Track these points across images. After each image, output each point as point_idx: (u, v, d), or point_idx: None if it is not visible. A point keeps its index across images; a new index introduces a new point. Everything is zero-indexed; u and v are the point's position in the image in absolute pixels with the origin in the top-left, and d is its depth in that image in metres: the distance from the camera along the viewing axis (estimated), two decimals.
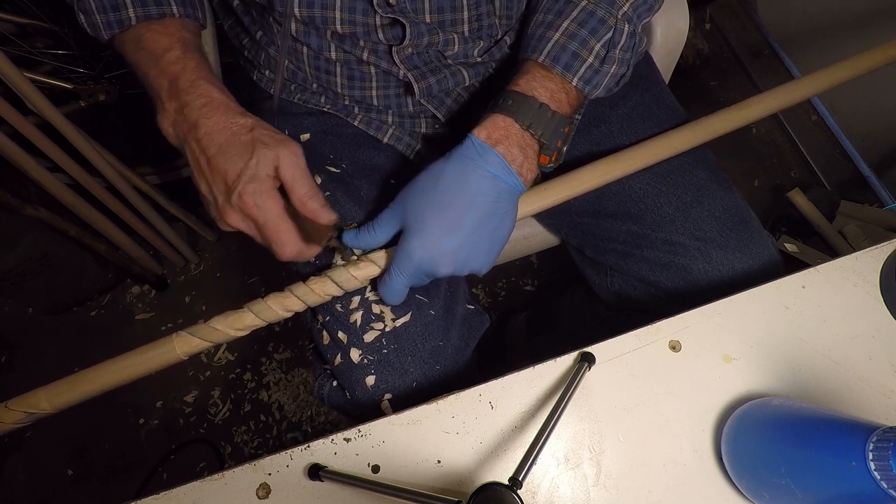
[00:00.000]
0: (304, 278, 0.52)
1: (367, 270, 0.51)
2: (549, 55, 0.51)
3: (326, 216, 0.48)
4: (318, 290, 0.50)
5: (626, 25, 0.52)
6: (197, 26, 0.55)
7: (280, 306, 0.50)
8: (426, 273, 0.48)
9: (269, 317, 0.50)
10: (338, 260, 0.54)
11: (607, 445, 0.43)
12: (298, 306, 0.50)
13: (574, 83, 0.52)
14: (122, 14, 0.50)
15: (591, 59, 0.52)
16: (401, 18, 0.53)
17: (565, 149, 0.65)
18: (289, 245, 0.47)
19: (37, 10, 0.96)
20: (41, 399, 0.47)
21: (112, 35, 0.52)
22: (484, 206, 0.47)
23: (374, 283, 0.52)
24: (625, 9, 0.52)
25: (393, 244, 0.51)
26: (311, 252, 0.50)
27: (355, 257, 0.52)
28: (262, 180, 0.46)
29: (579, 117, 0.65)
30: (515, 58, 0.57)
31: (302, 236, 0.48)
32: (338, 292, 0.51)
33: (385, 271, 0.50)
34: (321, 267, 0.57)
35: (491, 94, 0.60)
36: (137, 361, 0.48)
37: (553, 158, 0.52)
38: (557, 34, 0.51)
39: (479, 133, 0.49)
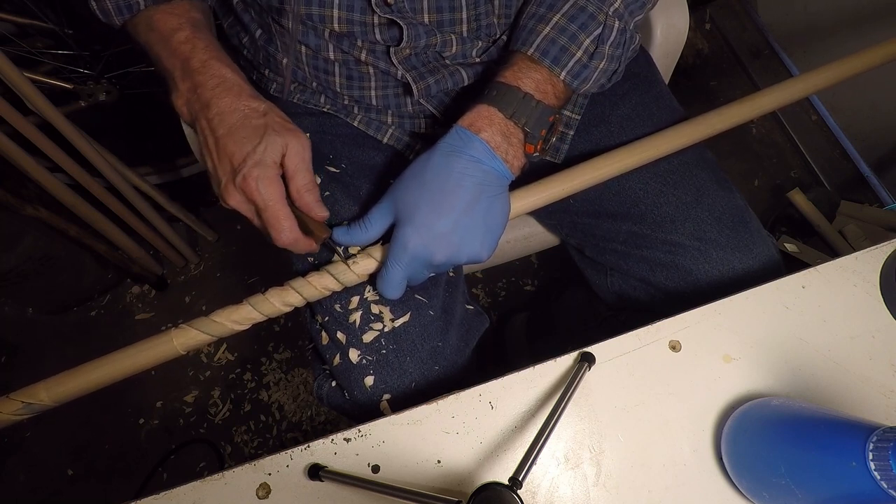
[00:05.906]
0: (304, 276, 0.52)
1: (364, 263, 0.51)
2: (539, 48, 0.52)
3: (319, 211, 0.50)
4: (316, 284, 0.50)
5: (617, 22, 0.53)
6: (206, 7, 0.56)
7: (279, 300, 0.50)
8: (422, 262, 0.48)
9: (267, 310, 0.50)
10: (336, 257, 0.55)
11: (607, 445, 0.43)
12: (297, 300, 0.51)
13: (562, 77, 0.52)
14: None
15: (579, 54, 0.52)
16: (398, 20, 0.53)
17: (561, 144, 0.65)
18: (286, 231, 0.48)
19: (37, 10, 0.96)
20: (40, 390, 0.47)
21: (124, 20, 0.52)
22: (472, 188, 0.48)
23: (374, 282, 0.52)
24: (616, 5, 0.52)
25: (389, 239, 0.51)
26: (307, 245, 0.51)
27: (354, 253, 0.52)
28: (267, 166, 0.47)
29: (578, 117, 0.65)
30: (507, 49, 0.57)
31: (300, 227, 0.50)
32: (336, 286, 0.51)
33: (382, 264, 0.50)
34: (322, 265, 0.57)
35: None
36: (136, 355, 0.48)
37: (538, 147, 0.53)
38: (547, 28, 0.52)
39: (463, 122, 0.51)
